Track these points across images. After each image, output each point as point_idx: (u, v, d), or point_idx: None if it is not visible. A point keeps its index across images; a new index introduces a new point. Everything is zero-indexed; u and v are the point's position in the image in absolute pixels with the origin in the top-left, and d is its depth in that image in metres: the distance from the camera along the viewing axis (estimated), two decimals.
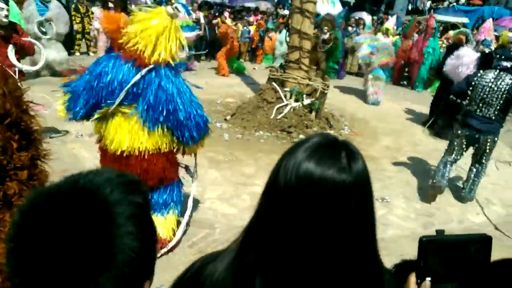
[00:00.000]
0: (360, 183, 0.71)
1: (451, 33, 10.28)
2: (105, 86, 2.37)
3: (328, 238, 0.69)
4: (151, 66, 2.38)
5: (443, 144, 6.08)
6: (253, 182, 4.14)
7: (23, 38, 4.25)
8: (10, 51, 4.06)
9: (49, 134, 4.30)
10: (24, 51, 4.47)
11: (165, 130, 2.50)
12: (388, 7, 16.62)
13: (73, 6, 9.74)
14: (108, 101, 2.40)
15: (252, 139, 5.48)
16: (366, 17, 12.54)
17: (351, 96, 8.97)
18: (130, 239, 0.58)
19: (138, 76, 2.35)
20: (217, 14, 11.72)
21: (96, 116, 2.45)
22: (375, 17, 13.90)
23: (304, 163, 0.70)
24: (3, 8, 3.75)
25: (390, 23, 11.12)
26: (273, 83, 6.39)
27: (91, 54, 9.73)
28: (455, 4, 16.14)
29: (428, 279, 0.78)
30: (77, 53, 9.67)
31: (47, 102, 4.36)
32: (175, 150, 2.72)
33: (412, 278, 0.79)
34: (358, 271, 0.72)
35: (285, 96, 6.18)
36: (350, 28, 11.32)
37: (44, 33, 6.72)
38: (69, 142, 4.77)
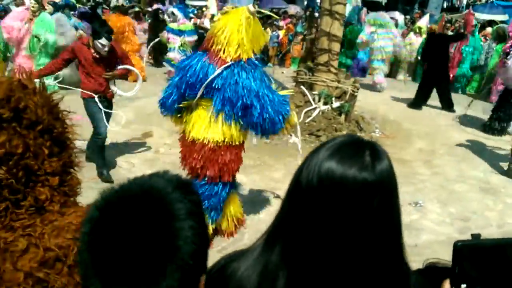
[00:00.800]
0: (384, 183, 0.70)
1: (489, 30, 9.83)
2: (188, 81, 2.59)
3: (351, 238, 0.68)
4: (228, 64, 2.55)
5: (478, 147, 5.85)
6: (282, 187, 4.13)
7: (121, 66, 4.20)
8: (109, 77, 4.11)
9: (86, 141, 4.49)
10: (121, 77, 4.51)
11: (239, 123, 2.67)
12: (422, 6, 16.11)
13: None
14: (190, 95, 2.63)
15: (281, 144, 5.48)
16: (399, 17, 12.20)
17: (383, 97, 8.77)
18: (192, 233, 0.63)
19: (216, 73, 2.53)
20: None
21: (181, 105, 2.72)
22: (408, 16, 13.51)
23: (326, 162, 0.70)
24: (105, 45, 3.82)
25: (423, 21, 10.78)
26: (302, 86, 6.37)
27: None
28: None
29: (464, 286, 0.74)
30: None
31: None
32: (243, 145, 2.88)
33: (447, 285, 0.75)
34: (383, 272, 0.71)
35: (313, 99, 6.14)
36: None
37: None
38: (107, 150, 4.97)
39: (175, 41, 8.08)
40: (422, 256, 3.15)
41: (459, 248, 0.74)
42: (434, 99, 8.02)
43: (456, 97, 8.30)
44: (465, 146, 5.93)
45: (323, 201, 0.69)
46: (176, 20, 8.27)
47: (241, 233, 3.35)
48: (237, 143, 2.79)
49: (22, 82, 0.90)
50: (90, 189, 1.47)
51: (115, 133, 5.57)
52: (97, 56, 3.91)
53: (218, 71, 2.53)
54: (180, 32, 8.14)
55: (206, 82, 2.54)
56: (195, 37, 8.35)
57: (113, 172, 4.32)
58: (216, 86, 2.57)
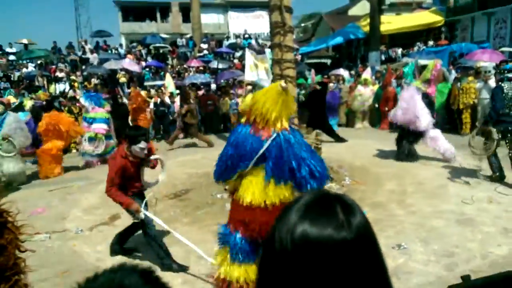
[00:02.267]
0: (363, 237, 0.67)
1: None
2: (238, 154, 2.86)
3: None
4: (274, 136, 2.80)
5: (444, 181, 6.04)
6: None
7: (153, 157, 4.11)
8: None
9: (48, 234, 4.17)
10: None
11: (289, 184, 2.87)
12: (363, 61, 17.55)
13: (66, 108, 10.10)
14: (241, 165, 2.87)
15: None
16: (344, 72, 13.22)
17: (345, 145, 9.06)
18: None
19: (265, 146, 2.80)
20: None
21: (234, 177, 2.96)
22: (352, 72, 14.57)
23: (299, 225, 0.66)
24: (144, 148, 3.76)
25: (367, 74, 11.69)
26: None
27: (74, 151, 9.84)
28: (424, 47, 17.11)
29: None
30: (74, 150, 9.82)
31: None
32: None
33: None
34: None
35: None
36: (331, 85, 11.78)
37: (8, 151, 6.82)
38: (70, 239, 4.64)
39: (89, 130, 8.36)
40: None
41: None
42: (392, 141, 8.37)
43: None
44: (432, 181, 6.11)
45: (300, 265, 0.65)
46: (88, 110, 8.64)
47: None
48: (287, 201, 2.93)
49: None
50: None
51: (78, 220, 5.26)
52: (135, 160, 3.83)
53: (267, 144, 2.79)
54: (92, 120, 8.46)
55: (257, 156, 2.80)
56: (104, 126, 8.56)
57: (79, 263, 3.98)
58: (265, 155, 2.83)
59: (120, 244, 4.17)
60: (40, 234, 4.52)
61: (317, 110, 9.19)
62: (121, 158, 3.78)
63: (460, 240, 4.11)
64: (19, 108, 9.26)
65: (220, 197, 5.84)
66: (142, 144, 3.76)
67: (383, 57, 17.56)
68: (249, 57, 9.61)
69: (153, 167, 4.17)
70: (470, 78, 9.31)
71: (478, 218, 4.64)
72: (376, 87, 11.33)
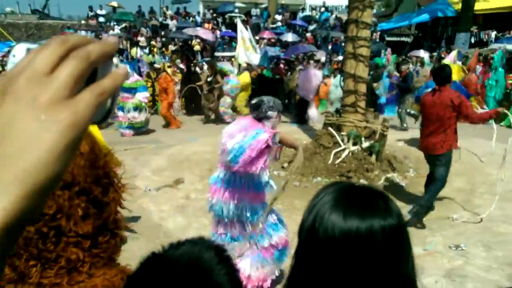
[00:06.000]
0: (402, 222, 0.73)
1: None
2: None
3: (376, 280, 0.69)
4: None
5: None
6: None
7: None
8: None
9: None
10: None
11: None
12: (449, 43, 16.05)
13: (145, 72, 10.82)
14: None
15: (310, 186, 5.42)
16: (424, 54, 12.21)
17: (415, 136, 8.56)
18: None
19: None
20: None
21: None
22: (434, 54, 13.45)
23: (347, 219, 0.70)
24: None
25: (449, 58, 10.72)
26: (329, 128, 6.38)
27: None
28: None
29: None
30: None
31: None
32: None
33: None
34: None
35: (342, 140, 6.11)
36: (411, 66, 11.03)
37: None
38: (139, 197, 5.11)
39: (126, 100, 8.11)
40: None
41: None
42: (462, 137, 7.74)
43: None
44: (507, 184, 5.60)
45: (349, 254, 0.69)
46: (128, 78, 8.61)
47: None
48: None
49: None
50: None
51: (147, 180, 5.75)
52: None
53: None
54: (131, 90, 8.15)
55: None
56: (146, 94, 8.40)
57: (144, 219, 4.41)
58: None
59: None
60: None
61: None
62: None
63: None
64: None
65: (277, 174, 5.95)
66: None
67: (472, 40, 15.88)
68: (245, 32, 9.70)
69: None
70: None
71: None
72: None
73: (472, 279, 3.37)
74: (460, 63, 10.81)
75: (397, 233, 0.70)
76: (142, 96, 8.30)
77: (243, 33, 10.93)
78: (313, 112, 9.46)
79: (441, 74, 4.30)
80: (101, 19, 20.84)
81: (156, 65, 10.03)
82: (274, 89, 10.87)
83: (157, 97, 10.01)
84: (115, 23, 20.08)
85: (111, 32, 18.40)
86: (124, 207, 1.06)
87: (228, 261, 0.71)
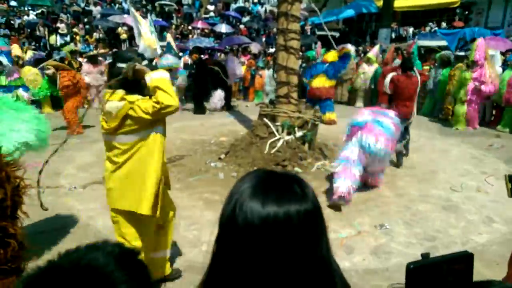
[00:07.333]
0: (318, 206, 0.75)
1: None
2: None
3: (294, 263, 0.70)
4: None
5: (435, 167, 6.10)
6: None
7: None
8: None
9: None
10: None
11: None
12: (373, 37, 17.14)
13: (66, 62, 10.01)
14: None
15: None
16: (351, 48, 12.86)
17: (344, 124, 9.03)
18: None
19: None
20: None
21: None
22: (360, 48, 14.28)
23: (265, 206, 0.71)
24: None
25: (372, 52, 11.45)
26: (264, 118, 6.46)
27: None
28: (436, 28, 16.68)
29: None
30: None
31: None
32: None
33: None
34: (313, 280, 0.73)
35: (277, 131, 6.23)
36: None
37: None
38: (63, 196, 4.74)
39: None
40: (393, 280, 3.15)
41: (412, 270, 0.78)
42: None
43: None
44: (424, 166, 6.17)
45: (267, 240, 0.70)
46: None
47: None
48: None
49: None
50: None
51: (72, 177, 5.35)
52: None
53: None
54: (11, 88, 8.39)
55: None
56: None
57: (72, 219, 4.10)
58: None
59: None
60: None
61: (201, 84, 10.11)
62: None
63: (443, 226, 4.22)
64: None
65: (214, 166, 5.91)
66: None
67: (393, 35, 17.16)
68: (145, 26, 8.42)
69: None
70: (459, 65, 8.82)
71: (464, 205, 4.74)
72: (377, 66, 11.11)
73: (395, 255, 3.65)
74: (380, 55, 11.65)
75: (312, 216, 0.72)
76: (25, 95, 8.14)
77: (142, 27, 8.46)
78: (215, 101, 10.16)
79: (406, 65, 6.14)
80: (13, 3, 18.86)
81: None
82: (212, 74, 10.67)
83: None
84: (29, 8, 18.32)
85: (25, 17, 16.73)
86: (24, 212, 0.96)
87: (134, 266, 0.63)
